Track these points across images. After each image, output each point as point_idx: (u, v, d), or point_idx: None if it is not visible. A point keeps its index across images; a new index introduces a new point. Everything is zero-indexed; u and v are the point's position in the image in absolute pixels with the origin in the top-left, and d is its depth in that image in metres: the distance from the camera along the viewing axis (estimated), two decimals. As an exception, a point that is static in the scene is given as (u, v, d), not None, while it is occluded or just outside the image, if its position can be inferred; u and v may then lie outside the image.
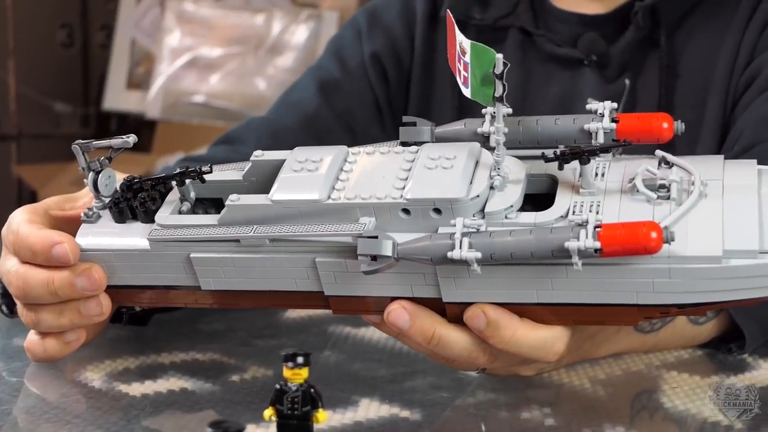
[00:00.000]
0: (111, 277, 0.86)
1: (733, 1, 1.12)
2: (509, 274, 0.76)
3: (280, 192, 0.80)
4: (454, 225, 0.75)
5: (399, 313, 0.79)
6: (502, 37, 1.22)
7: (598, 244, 0.70)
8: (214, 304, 0.87)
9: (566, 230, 0.72)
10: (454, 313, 0.80)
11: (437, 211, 0.76)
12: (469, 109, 1.20)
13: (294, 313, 1.15)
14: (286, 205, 0.80)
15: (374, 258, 0.75)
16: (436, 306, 0.80)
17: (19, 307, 0.90)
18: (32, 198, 2.93)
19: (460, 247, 0.73)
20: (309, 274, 0.81)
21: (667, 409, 0.88)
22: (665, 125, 0.78)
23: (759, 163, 0.79)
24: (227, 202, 0.81)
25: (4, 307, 1.00)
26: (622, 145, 0.77)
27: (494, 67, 0.73)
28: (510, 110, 0.76)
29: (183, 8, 3.00)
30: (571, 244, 0.71)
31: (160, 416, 0.87)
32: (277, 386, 0.72)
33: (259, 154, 0.86)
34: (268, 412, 0.72)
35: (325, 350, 1.03)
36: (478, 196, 0.76)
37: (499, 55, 0.72)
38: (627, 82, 1.15)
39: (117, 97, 3.17)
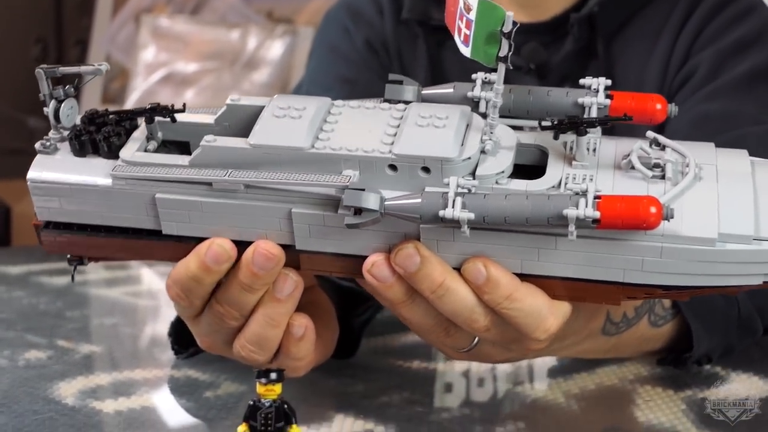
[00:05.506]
0: (65, 214, 0.81)
1: (667, 8, 1.13)
2: (496, 240, 0.74)
3: (260, 136, 0.75)
4: (447, 184, 0.72)
5: (410, 253, 0.74)
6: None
7: (597, 214, 0.69)
8: (172, 257, 0.80)
9: (564, 198, 0.71)
10: None
11: (426, 170, 0.73)
12: None
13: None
14: (266, 150, 0.75)
15: (358, 212, 0.72)
16: None
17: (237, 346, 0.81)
18: (6, 214, 2.91)
19: (453, 207, 0.71)
20: (282, 226, 0.77)
21: (641, 423, 0.88)
22: (659, 106, 0.77)
23: None
24: (202, 143, 0.76)
25: (176, 346, 0.98)
26: (621, 120, 0.75)
27: (503, 24, 0.70)
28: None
29: (158, 24, 2.99)
30: (570, 212, 0.69)
31: (134, 433, 0.86)
32: (251, 402, 0.72)
33: (235, 99, 0.81)
34: (242, 429, 0.72)
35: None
36: (469, 158, 0.74)
37: (509, 13, 0.70)
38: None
39: (92, 113, 3.16)
